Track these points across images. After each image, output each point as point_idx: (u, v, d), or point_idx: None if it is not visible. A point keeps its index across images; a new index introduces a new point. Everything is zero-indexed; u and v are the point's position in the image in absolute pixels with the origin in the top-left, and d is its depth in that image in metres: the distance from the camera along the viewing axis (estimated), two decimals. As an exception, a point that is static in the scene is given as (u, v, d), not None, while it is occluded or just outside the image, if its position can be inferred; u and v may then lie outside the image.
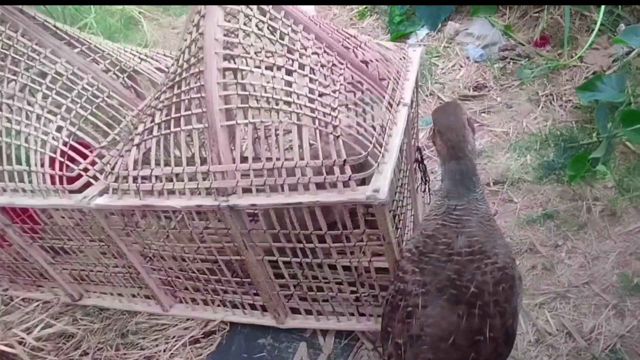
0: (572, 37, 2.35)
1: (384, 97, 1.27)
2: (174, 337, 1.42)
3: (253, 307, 1.42)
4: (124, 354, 1.39)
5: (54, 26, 1.37)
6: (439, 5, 2.76)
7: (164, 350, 1.39)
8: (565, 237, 1.57)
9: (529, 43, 2.44)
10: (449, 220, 0.97)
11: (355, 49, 1.36)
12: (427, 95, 2.37)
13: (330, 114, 1.11)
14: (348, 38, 1.37)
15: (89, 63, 1.35)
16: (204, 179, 1.13)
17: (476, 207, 0.98)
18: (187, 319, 1.47)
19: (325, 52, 1.23)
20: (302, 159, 1.08)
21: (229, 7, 1.15)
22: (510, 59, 2.43)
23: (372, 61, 1.38)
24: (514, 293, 0.92)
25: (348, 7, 3.29)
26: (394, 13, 2.88)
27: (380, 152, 1.11)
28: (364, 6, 3.16)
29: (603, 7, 2.07)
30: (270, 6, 1.18)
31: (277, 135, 1.10)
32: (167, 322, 1.47)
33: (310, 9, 3.13)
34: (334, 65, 1.21)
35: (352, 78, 1.24)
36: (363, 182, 1.09)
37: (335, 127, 1.10)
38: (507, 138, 2.01)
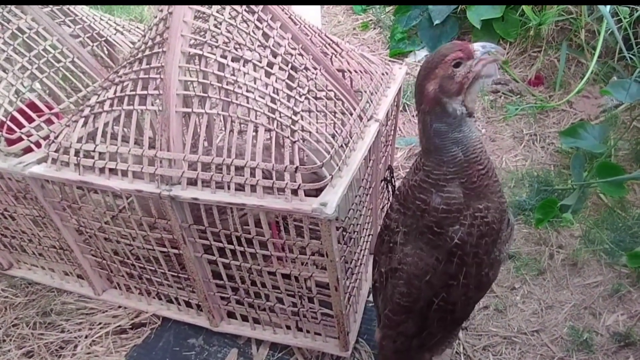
0: (566, 81, 2.34)
1: (354, 110, 1.22)
2: (99, 323, 1.35)
3: (189, 304, 1.35)
4: (41, 334, 1.31)
5: (28, -19, 1.31)
6: (441, 29, 2.75)
7: (86, 337, 1.31)
8: (523, 281, 1.53)
9: (523, 81, 2.43)
10: (426, 184, 0.90)
11: (333, 56, 1.31)
12: (413, 116, 2.33)
13: (290, 118, 1.05)
14: (329, 44, 1.32)
15: (57, 25, 1.29)
16: (149, 164, 1.07)
17: (451, 171, 0.87)
18: (119, 307, 1.40)
19: (299, 54, 1.18)
20: (253, 159, 1.02)
21: (204, -9, 1.10)
22: (502, 93, 2.41)
23: (349, 71, 1.33)
24: (496, 245, 0.93)
25: (353, 16, 3.26)
26: (396, 30, 2.86)
27: (337, 165, 1.06)
28: (368, 18, 3.14)
29: (596, 55, 2.06)
30: (249, -4, 1.13)
31: (232, 130, 1.05)
32: (96, 307, 1.40)
33: (316, 14, 3.10)
34: (306, 68, 1.16)
35: (324, 85, 1.20)
36: (319, 192, 1.04)
37: (293, 131, 1.05)
38: (483, 171, 1.97)
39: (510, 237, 0.99)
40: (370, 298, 1.46)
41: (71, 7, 1.38)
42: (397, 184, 1.58)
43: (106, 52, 1.45)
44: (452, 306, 0.94)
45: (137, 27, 1.55)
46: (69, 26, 1.35)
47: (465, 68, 0.83)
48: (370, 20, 3.12)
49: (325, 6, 3.40)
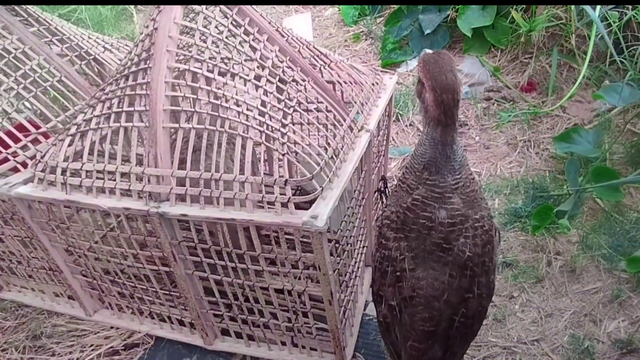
0: (558, 87, 2.34)
1: (344, 121, 1.21)
2: (91, 345, 1.32)
3: (182, 323, 1.33)
4: (31, 358, 1.28)
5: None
6: (432, 38, 2.77)
7: (77, 359, 1.28)
8: (522, 289, 1.51)
9: (515, 87, 2.43)
10: (431, 199, 0.92)
11: (322, 68, 1.31)
12: (406, 125, 2.33)
13: (279, 130, 1.05)
14: (317, 56, 1.32)
15: (43, 44, 1.28)
16: (137, 181, 1.06)
17: (455, 180, 0.92)
18: (111, 327, 1.37)
19: (288, 66, 1.18)
20: (242, 172, 1.01)
21: (190, 6, 1.10)
22: (495, 100, 2.41)
23: (339, 83, 1.33)
24: (494, 251, 0.97)
25: (344, 28, 3.28)
26: (387, 40, 2.88)
27: (328, 177, 1.05)
28: (360, 30, 3.16)
29: (587, 60, 2.06)
30: (235, 10, 1.13)
31: (220, 144, 1.04)
32: (88, 328, 1.37)
33: (307, 27, 3.12)
34: (294, 80, 1.15)
35: (313, 97, 1.19)
36: (310, 204, 1.02)
37: (282, 144, 1.04)
38: (479, 179, 1.96)
39: (500, 240, 1.03)
40: (367, 311, 1.43)
41: (58, 26, 1.38)
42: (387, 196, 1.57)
43: (96, 70, 1.45)
44: (472, 320, 0.95)
45: (126, 45, 1.55)
46: (57, 45, 1.35)
47: None
48: (362, 31, 3.14)
49: (317, 18, 3.43)
